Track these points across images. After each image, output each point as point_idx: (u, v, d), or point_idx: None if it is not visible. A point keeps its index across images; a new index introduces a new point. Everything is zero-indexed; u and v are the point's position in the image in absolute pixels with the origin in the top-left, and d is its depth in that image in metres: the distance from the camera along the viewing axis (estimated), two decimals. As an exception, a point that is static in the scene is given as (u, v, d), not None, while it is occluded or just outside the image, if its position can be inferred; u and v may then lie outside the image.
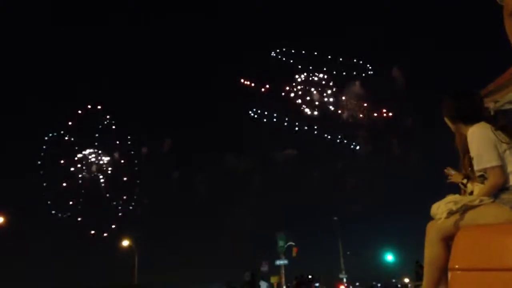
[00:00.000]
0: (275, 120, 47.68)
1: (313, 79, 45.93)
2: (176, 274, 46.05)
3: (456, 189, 2.91)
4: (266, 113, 47.21)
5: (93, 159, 46.48)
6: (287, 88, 45.65)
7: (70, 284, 39.59)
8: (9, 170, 47.36)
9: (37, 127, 52.21)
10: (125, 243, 39.61)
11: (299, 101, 45.78)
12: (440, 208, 2.36)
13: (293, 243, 40.05)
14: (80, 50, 63.28)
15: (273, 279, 36.19)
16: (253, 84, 46.29)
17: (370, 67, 45.01)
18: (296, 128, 47.48)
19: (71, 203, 44.61)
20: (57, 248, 49.32)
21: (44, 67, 60.06)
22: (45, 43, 60.07)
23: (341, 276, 40.84)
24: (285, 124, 48.02)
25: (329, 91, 45.85)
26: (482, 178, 2.45)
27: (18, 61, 56.03)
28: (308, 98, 45.93)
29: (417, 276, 18.57)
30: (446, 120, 2.70)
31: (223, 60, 62.90)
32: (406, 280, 37.69)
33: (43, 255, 48.76)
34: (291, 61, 45.88)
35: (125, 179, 47.33)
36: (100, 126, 46.47)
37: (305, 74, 45.58)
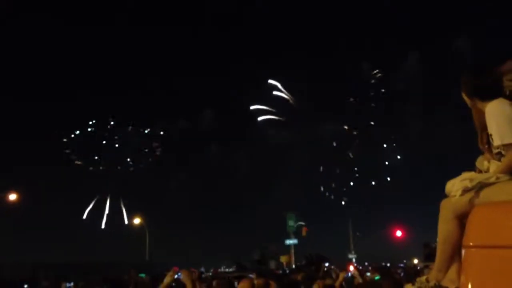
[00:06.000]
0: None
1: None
2: (186, 250, 46.93)
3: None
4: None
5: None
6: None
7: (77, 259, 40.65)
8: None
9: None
10: (137, 221, 40.17)
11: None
12: (455, 185, 2.33)
13: (303, 223, 40.41)
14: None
15: (283, 259, 36.65)
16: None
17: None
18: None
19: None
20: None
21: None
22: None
23: (350, 256, 41.20)
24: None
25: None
26: (500, 155, 2.40)
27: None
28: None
29: (425, 257, 18.74)
30: (464, 95, 2.64)
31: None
32: (415, 261, 37.96)
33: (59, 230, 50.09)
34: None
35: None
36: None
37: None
